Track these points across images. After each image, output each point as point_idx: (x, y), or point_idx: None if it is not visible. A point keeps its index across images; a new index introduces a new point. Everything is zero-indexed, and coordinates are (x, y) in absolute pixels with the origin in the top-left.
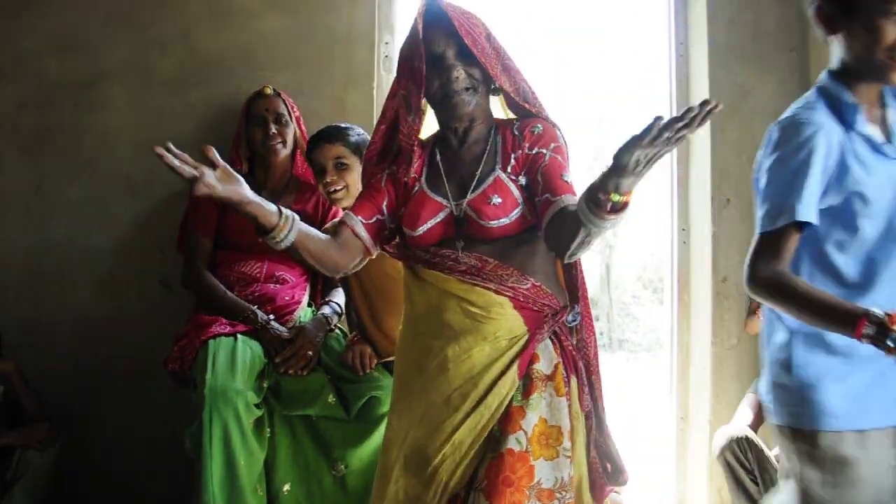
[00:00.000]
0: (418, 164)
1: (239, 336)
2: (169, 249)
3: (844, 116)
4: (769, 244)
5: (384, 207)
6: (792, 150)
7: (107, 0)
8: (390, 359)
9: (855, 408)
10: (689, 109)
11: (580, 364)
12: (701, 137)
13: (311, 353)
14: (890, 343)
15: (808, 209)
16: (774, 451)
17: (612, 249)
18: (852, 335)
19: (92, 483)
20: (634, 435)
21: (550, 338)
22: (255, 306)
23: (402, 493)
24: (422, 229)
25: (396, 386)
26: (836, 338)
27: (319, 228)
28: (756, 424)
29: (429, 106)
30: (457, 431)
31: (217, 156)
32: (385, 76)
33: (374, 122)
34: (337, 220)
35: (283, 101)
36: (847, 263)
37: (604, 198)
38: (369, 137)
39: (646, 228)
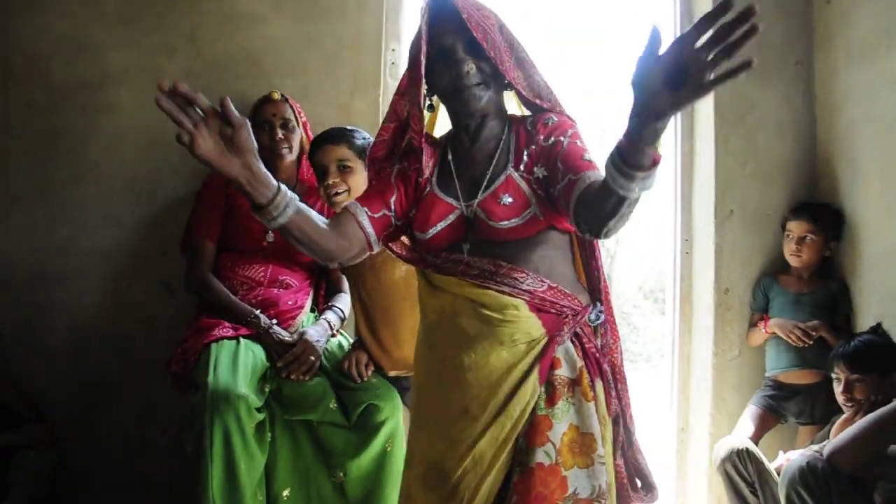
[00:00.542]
0: (430, 164)
1: (241, 339)
2: (173, 252)
3: None
4: None
5: (392, 203)
6: None
7: (115, 3)
8: (393, 373)
9: None
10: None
11: (605, 366)
12: (704, 148)
13: (312, 358)
14: None
15: None
16: (775, 464)
17: (614, 259)
18: None
19: (91, 486)
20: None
21: (572, 340)
22: (258, 310)
23: None
24: (432, 232)
25: (415, 399)
26: None
27: None
28: (757, 437)
29: (440, 103)
30: (477, 444)
31: (233, 112)
32: (391, 83)
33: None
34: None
35: (291, 106)
36: None
37: (650, 151)
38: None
39: (647, 238)
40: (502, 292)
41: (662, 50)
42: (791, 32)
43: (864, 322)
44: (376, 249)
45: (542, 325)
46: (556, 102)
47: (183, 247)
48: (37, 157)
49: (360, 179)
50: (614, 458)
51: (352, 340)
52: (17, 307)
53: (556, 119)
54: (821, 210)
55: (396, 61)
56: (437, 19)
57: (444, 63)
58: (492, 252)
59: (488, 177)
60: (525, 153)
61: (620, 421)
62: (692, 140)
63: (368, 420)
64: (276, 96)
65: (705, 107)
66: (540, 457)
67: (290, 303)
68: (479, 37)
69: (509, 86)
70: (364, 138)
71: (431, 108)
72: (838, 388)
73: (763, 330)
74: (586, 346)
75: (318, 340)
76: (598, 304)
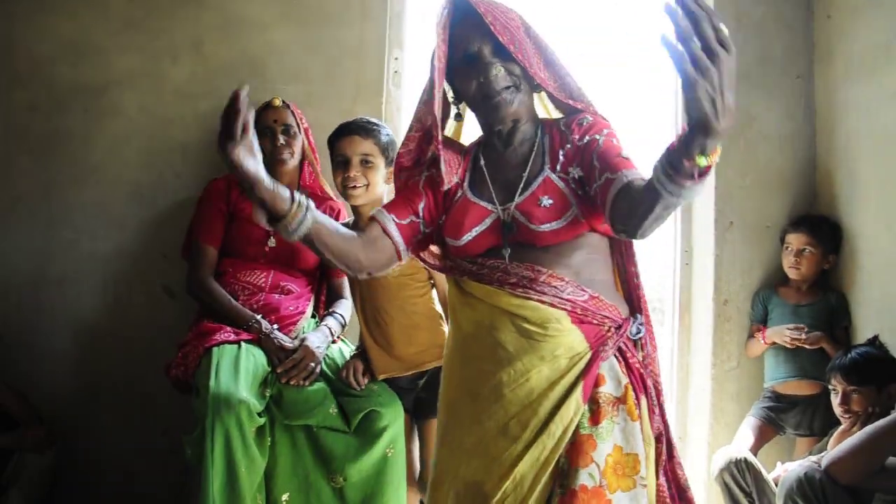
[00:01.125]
0: (461, 170)
1: (243, 344)
2: (174, 256)
3: None
4: None
5: (421, 210)
6: None
7: (120, 7)
8: (383, 376)
9: None
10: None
11: (649, 382)
12: None
13: (313, 364)
14: None
15: None
16: (773, 474)
17: None
18: None
19: (89, 489)
20: None
21: (615, 355)
22: (259, 315)
23: None
24: (466, 238)
25: (445, 416)
26: None
27: None
28: (756, 447)
29: (468, 110)
30: (518, 464)
31: (251, 121)
32: (394, 91)
33: None
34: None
35: (292, 112)
36: None
37: (688, 164)
38: (397, 140)
39: (646, 249)
40: (543, 302)
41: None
42: (792, 46)
43: (862, 334)
44: (405, 258)
45: (586, 339)
46: (590, 103)
47: (184, 251)
48: (39, 159)
49: (379, 176)
50: (657, 478)
51: (352, 346)
52: (17, 309)
53: (590, 119)
54: (820, 223)
55: (399, 69)
56: (459, 24)
57: (471, 68)
58: (532, 257)
59: (525, 179)
60: (560, 153)
61: (663, 438)
62: None
63: (370, 426)
64: (278, 102)
65: None
66: (583, 478)
67: (291, 308)
68: (505, 40)
69: (539, 87)
70: (388, 135)
71: (459, 117)
72: (836, 400)
73: (762, 341)
74: (630, 361)
75: (318, 347)
76: (639, 316)
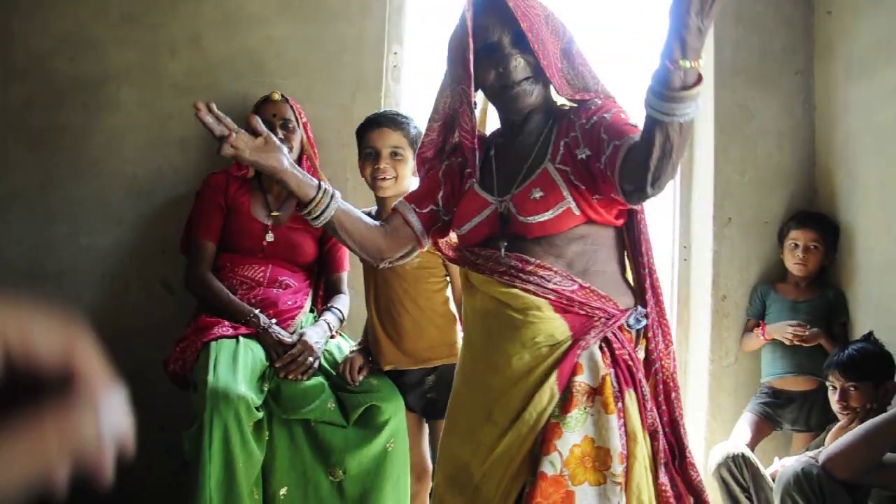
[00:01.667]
0: (477, 160)
1: (241, 339)
2: (172, 251)
3: None
4: None
5: (440, 199)
6: None
7: (119, 1)
8: (388, 367)
9: None
10: None
11: (639, 376)
12: (704, 156)
13: (311, 359)
14: None
15: None
16: (770, 469)
17: None
18: None
19: (86, 483)
20: None
21: (600, 346)
22: (258, 310)
23: None
24: (466, 227)
25: (451, 401)
26: None
27: (323, 234)
28: (753, 444)
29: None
30: (496, 449)
31: (260, 124)
32: (393, 86)
33: None
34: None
35: (291, 106)
36: None
37: (672, 67)
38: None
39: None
40: (527, 291)
41: None
42: (792, 42)
43: (859, 331)
44: (426, 245)
45: (570, 328)
46: (603, 93)
47: (182, 246)
48: (37, 154)
49: (408, 168)
50: (656, 477)
51: (351, 341)
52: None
53: (599, 102)
54: (822, 220)
55: (398, 64)
56: (480, 13)
57: (490, 59)
58: (524, 248)
59: (524, 171)
60: (563, 143)
61: (661, 436)
62: (692, 148)
63: (371, 419)
64: (277, 97)
65: (705, 115)
66: (544, 466)
67: (289, 303)
68: (525, 27)
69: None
70: (416, 127)
71: (475, 104)
72: (834, 396)
73: (761, 336)
74: (616, 352)
75: (317, 342)
76: (642, 307)
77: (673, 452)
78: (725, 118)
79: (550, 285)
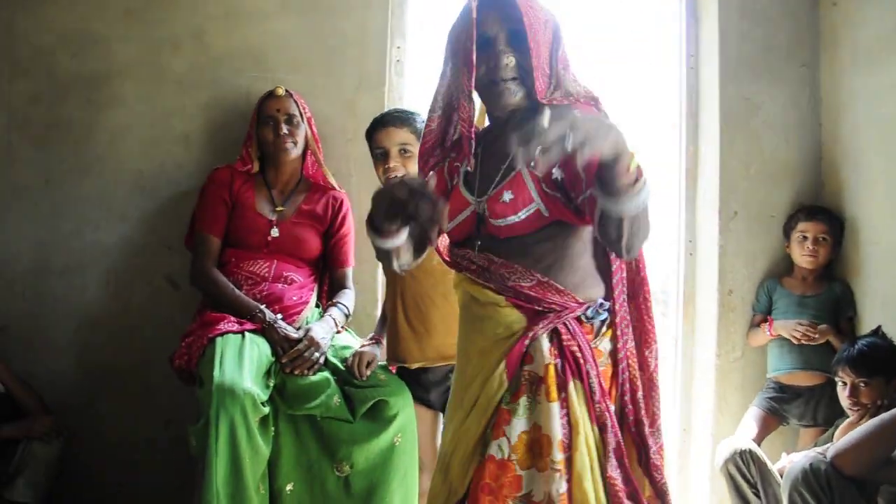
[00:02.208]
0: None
1: (247, 334)
2: (177, 246)
3: None
4: None
5: (448, 196)
6: None
7: None
8: (417, 365)
9: None
10: None
11: (587, 368)
12: (709, 150)
13: (317, 354)
14: None
15: None
16: (778, 465)
17: None
18: None
19: (94, 478)
20: None
21: (550, 337)
22: (263, 305)
23: (433, 493)
24: (449, 226)
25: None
26: None
27: (328, 229)
28: (759, 439)
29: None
30: (459, 430)
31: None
32: (396, 80)
33: None
34: None
35: (295, 101)
36: None
37: (616, 183)
38: None
39: (649, 240)
40: (489, 288)
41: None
42: (797, 35)
43: (867, 325)
44: (435, 241)
45: (526, 320)
46: (581, 94)
47: (187, 241)
48: (41, 149)
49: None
50: (606, 470)
51: (356, 336)
52: (21, 299)
53: (577, 114)
54: (829, 212)
55: (402, 58)
56: (485, 6)
57: (484, 53)
58: (496, 248)
59: (501, 173)
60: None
61: (611, 430)
62: (697, 142)
63: (379, 413)
64: (281, 92)
65: (710, 108)
66: (493, 449)
67: (294, 298)
68: (526, 23)
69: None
70: (423, 121)
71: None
72: (844, 392)
73: (767, 332)
74: (565, 343)
75: (323, 337)
76: (603, 301)
77: (639, 452)
78: (730, 112)
79: (509, 283)
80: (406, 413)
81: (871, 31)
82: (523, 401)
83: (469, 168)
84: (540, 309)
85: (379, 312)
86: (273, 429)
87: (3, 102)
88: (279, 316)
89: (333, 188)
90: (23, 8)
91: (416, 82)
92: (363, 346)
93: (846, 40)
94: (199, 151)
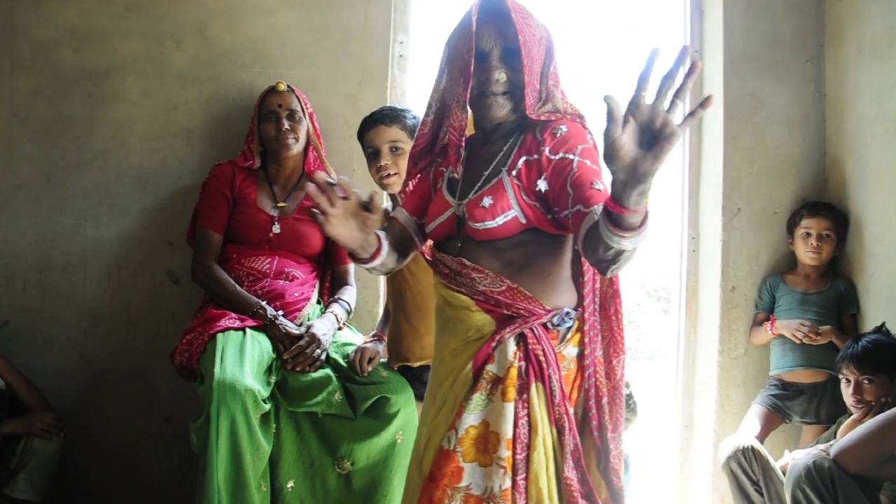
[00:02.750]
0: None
1: (248, 330)
2: (178, 242)
3: None
4: None
5: (426, 201)
6: None
7: None
8: (419, 364)
9: None
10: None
11: (549, 372)
12: (713, 146)
13: (319, 350)
14: None
15: None
16: (780, 462)
17: None
18: None
19: (94, 474)
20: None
21: (517, 340)
22: (264, 302)
23: (409, 485)
24: (431, 226)
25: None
26: None
27: None
28: (762, 436)
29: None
30: (432, 427)
31: (377, 204)
32: (399, 75)
33: None
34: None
35: (297, 97)
36: None
37: (622, 213)
38: None
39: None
40: (461, 292)
41: (621, 117)
42: (802, 30)
43: (871, 322)
44: (421, 245)
45: (496, 323)
46: (568, 111)
47: (189, 237)
48: (43, 144)
49: None
50: (563, 470)
51: (357, 332)
52: (22, 295)
53: (565, 129)
54: (833, 209)
55: (404, 53)
56: (481, 19)
57: (478, 66)
58: (473, 250)
59: (483, 178)
60: (523, 160)
61: (569, 433)
62: (700, 137)
63: (380, 410)
64: (282, 87)
65: (714, 104)
66: (443, 440)
67: (296, 295)
68: (521, 41)
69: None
70: (414, 118)
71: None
72: (848, 390)
73: (769, 331)
74: (530, 347)
75: (324, 334)
76: (570, 309)
77: (599, 456)
78: (735, 106)
79: (481, 287)
80: (408, 410)
81: (876, 25)
82: (477, 397)
83: (455, 176)
84: (508, 314)
85: (381, 309)
86: (274, 426)
87: (5, 97)
88: (280, 312)
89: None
90: (24, 2)
91: (418, 77)
92: (365, 342)
93: (851, 35)
94: (201, 146)
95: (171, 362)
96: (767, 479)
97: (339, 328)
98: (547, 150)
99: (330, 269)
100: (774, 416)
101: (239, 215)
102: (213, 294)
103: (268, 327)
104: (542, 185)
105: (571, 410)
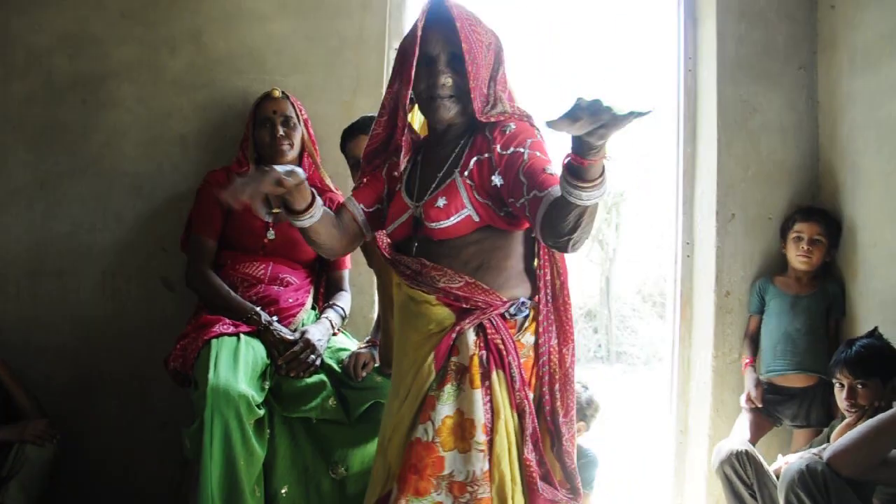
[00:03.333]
0: (406, 162)
1: (242, 336)
2: (172, 248)
3: None
4: None
5: (384, 197)
6: None
7: None
8: None
9: None
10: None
11: (508, 359)
12: (707, 152)
13: (313, 356)
14: None
15: None
16: (774, 466)
17: (612, 262)
18: None
19: (88, 481)
20: (631, 447)
21: (477, 331)
22: (259, 307)
23: (374, 476)
24: (390, 228)
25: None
26: None
27: None
28: (754, 439)
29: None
30: (396, 418)
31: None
32: None
33: None
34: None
35: (292, 103)
36: None
37: (581, 164)
38: None
39: (646, 242)
40: (421, 290)
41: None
42: (795, 37)
43: (864, 327)
44: (369, 237)
45: (455, 316)
46: (515, 112)
47: (183, 243)
48: (37, 151)
49: None
50: (522, 452)
51: (352, 338)
52: (15, 301)
53: (513, 126)
54: (826, 214)
55: None
56: (430, 26)
57: (425, 69)
58: (431, 249)
59: (437, 181)
60: (474, 160)
61: (529, 416)
62: (694, 143)
63: (374, 416)
64: (277, 93)
65: (708, 110)
66: (419, 432)
67: (290, 300)
68: (465, 48)
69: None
70: None
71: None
72: (841, 394)
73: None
74: (489, 336)
75: (319, 339)
76: (525, 300)
77: (552, 438)
78: (728, 113)
79: (440, 284)
80: None
81: (868, 33)
82: (448, 388)
83: (396, 173)
84: (467, 307)
85: (376, 315)
86: (268, 431)
87: None
88: (275, 318)
89: (330, 190)
90: (18, 9)
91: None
92: (360, 348)
93: (844, 43)
94: (196, 153)
95: (165, 368)
96: (761, 483)
97: (334, 334)
98: (498, 147)
99: (325, 275)
100: (765, 421)
101: (233, 221)
102: (207, 300)
103: (262, 333)
104: (496, 179)
105: (531, 395)
